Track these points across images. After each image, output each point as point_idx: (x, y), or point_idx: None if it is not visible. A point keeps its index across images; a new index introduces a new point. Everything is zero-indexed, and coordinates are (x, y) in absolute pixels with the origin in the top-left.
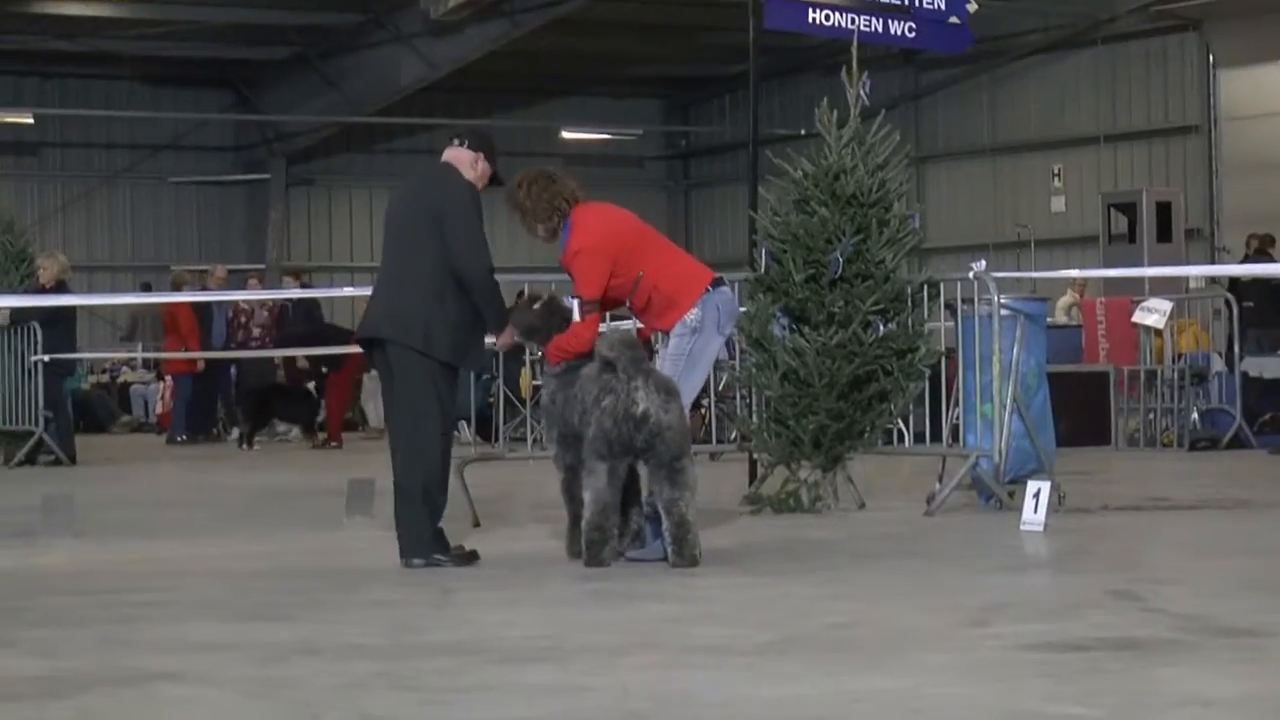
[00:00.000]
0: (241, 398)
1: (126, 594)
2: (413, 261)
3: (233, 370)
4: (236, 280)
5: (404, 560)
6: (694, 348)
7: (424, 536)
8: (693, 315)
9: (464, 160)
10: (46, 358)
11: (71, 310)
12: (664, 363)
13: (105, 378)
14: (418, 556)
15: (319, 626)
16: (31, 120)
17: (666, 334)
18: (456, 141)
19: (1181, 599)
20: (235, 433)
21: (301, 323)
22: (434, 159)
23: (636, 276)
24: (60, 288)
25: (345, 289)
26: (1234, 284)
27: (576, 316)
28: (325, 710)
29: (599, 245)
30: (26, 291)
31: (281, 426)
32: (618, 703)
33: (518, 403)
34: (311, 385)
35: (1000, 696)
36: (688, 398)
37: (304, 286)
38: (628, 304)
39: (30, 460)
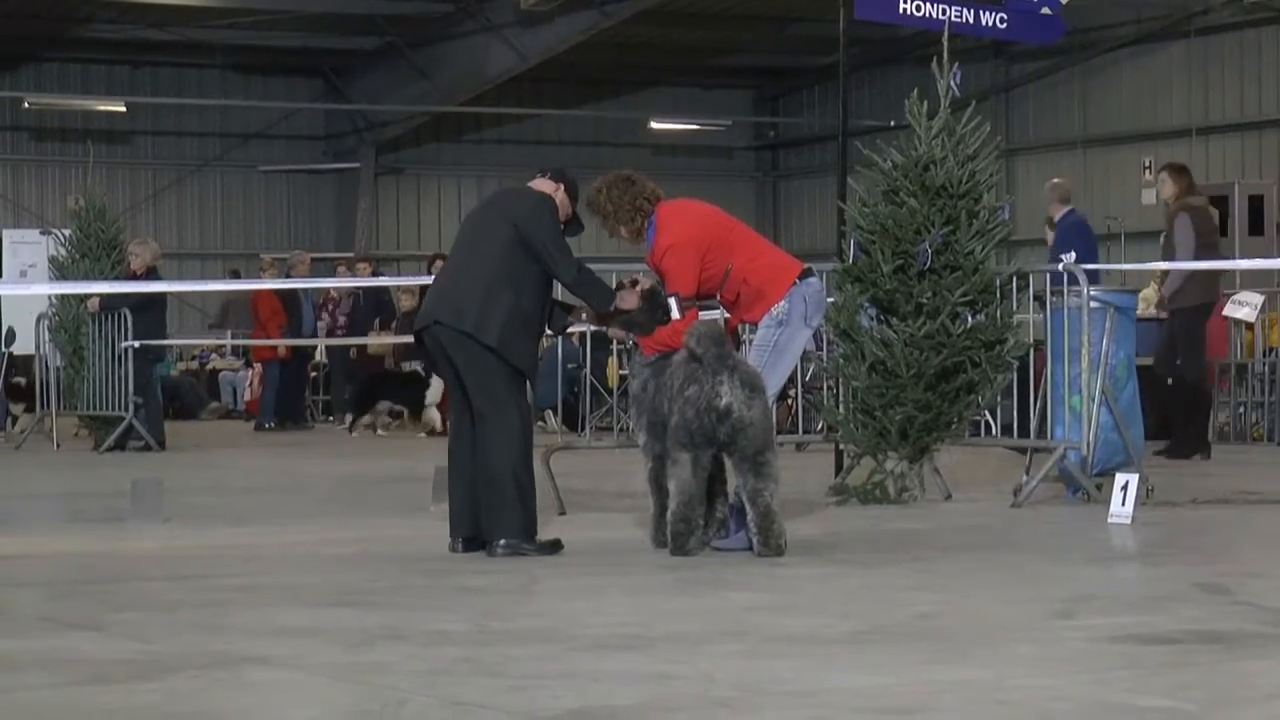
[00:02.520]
0: (347, 384)
1: (215, 578)
2: (475, 258)
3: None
4: (324, 268)
5: (487, 547)
6: (780, 339)
7: (507, 522)
8: (780, 307)
9: (546, 188)
10: (137, 344)
11: (162, 297)
12: (750, 353)
13: (194, 364)
14: (502, 540)
15: (406, 612)
16: (124, 109)
17: (754, 325)
18: (541, 174)
19: (1270, 593)
20: (347, 419)
21: (372, 311)
22: (521, 148)
23: (726, 270)
24: (151, 275)
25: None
26: None
27: (676, 314)
28: (412, 696)
29: (688, 240)
30: (118, 278)
31: (383, 415)
32: (703, 691)
33: (604, 392)
34: (420, 366)
35: (1087, 689)
36: (773, 389)
37: (374, 274)
38: (718, 297)
39: (120, 446)
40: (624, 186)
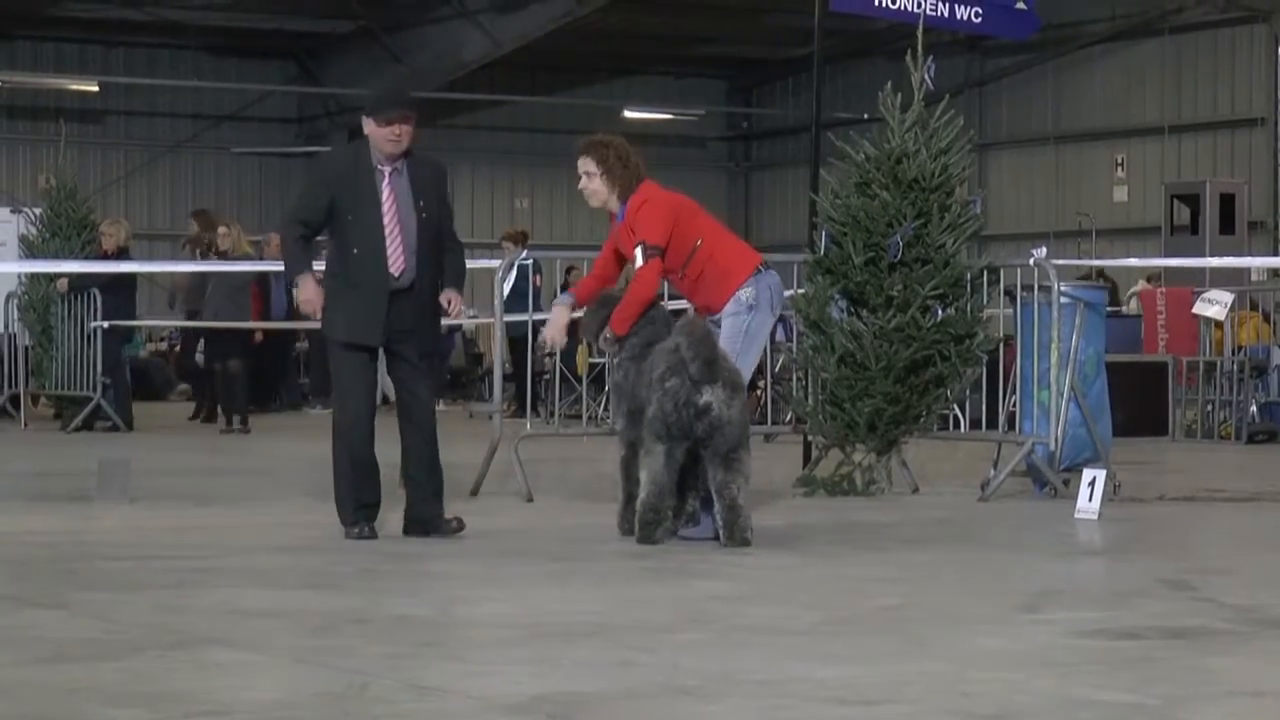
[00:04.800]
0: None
1: (180, 559)
2: None
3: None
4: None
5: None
6: (751, 325)
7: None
8: (748, 292)
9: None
10: (106, 324)
11: (132, 277)
12: (721, 341)
13: (163, 345)
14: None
15: (370, 596)
16: (96, 88)
17: (715, 316)
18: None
19: (1234, 589)
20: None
21: None
22: (494, 134)
23: (694, 245)
24: (122, 255)
25: None
26: None
27: (639, 261)
28: (374, 679)
29: (664, 200)
30: (88, 258)
31: None
32: (667, 679)
33: (574, 379)
34: None
35: (1050, 683)
36: (744, 376)
37: None
38: (680, 274)
39: (87, 426)
40: (632, 154)
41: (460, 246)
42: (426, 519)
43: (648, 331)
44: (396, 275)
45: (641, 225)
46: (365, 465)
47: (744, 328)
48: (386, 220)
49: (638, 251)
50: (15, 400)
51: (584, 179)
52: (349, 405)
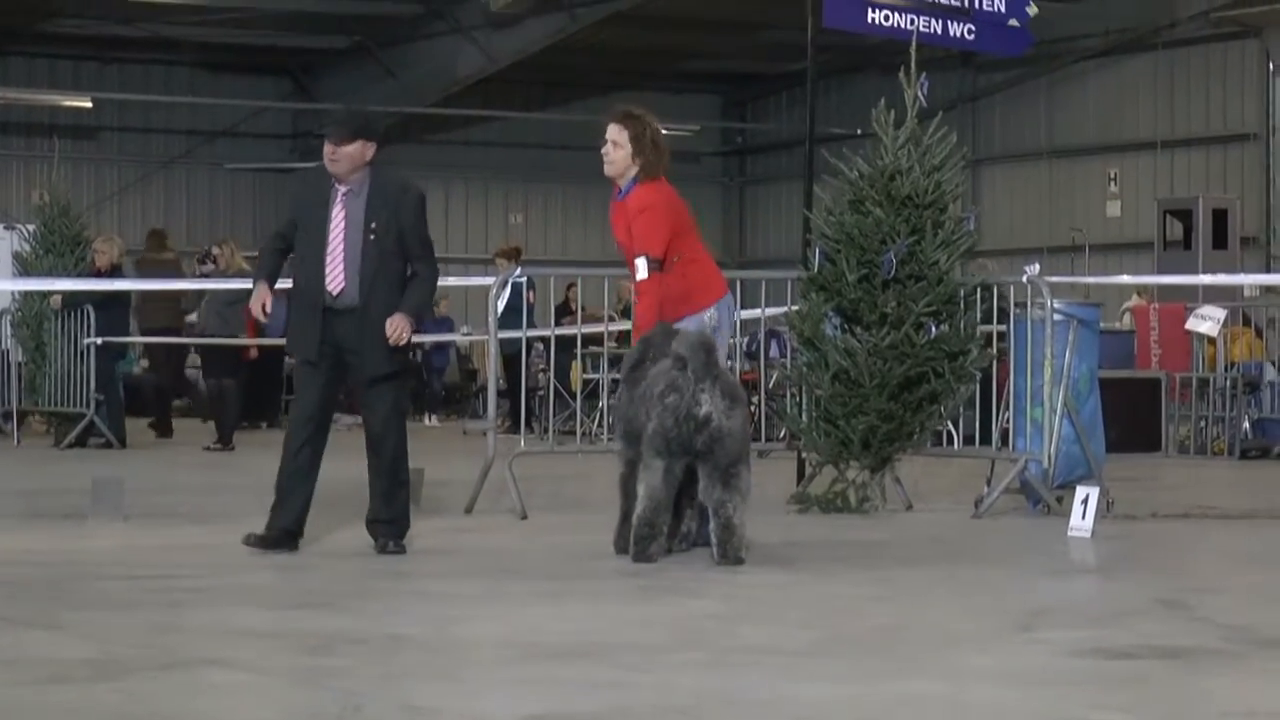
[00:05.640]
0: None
1: (175, 579)
2: None
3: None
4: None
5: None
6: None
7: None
8: (711, 314)
9: None
10: (99, 340)
11: (126, 294)
12: None
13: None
14: None
15: (365, 616)
16: (90, 104)
17: (665, 321)
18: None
19: (1229, 609)
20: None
21: None
22: (489, 150)
23: (675, 257)
24: (116, 272)
25: None
26: None
27: (643, 274)
28: (369, 700)
29: (666, 206)
30: (82, 275)
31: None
32: (662, 699)
33: (568, 396)
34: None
35: (1046, 703)
36: None
37: None
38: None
39: (81, 442)
40: (664, 144)
41: (430, 271)
42: (373, 524)
43: (640, 349)
44: (334, 294)
45: (643, 234)
46: (289, 479)
47: None
48: (330, 239)
49: (641, 264)
50: (8, 416)
51: (610, 145)
52: (291, 416)
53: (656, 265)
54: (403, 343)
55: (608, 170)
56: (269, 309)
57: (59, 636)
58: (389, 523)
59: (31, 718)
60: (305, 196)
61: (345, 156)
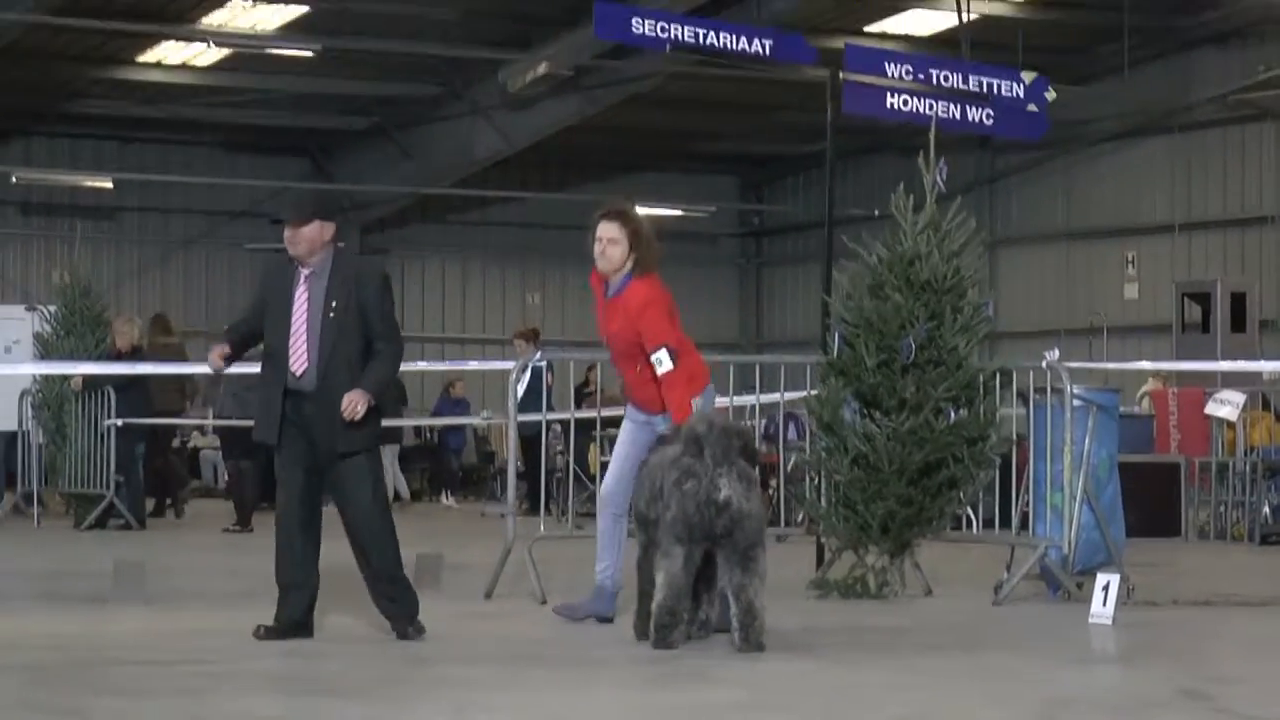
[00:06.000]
0: None
1: (197, 664)
2: None
3: None
4: None
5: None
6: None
7: None
8: (697, 403)
9: None
10: (120, 422)
11: (146, 376)
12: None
13: (176, 443)
14: None
15: (387, 703)
16: (111, 185)
17: (654, 416)
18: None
19: (1250, 699)
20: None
21: None
22: (506, 230)
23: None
24: (136, 353)
25: (419, 362)
26: None
27: (670, 365)
28: None
29: (664, 301)
30: (102, 356)
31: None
32: None
33: (585, 479)
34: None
35: None
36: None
37: None
38: (638, 368)
39: (101, 524)
40: (654, 238)
41: (394, 350)
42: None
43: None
44: (298, 374)
45: (657, 327)
46: (288, 573)
47: (645, 443)
48: (294, 320)
49: (665, 356)
50: (29, 498)
51: (607, 243)
52: (277, 509)
53: (675, 353)
54: (357, 417)
55: (604, 266)
56: (222, 358)
57: None
58: (402, 615)
59: None
60: (271, 280)
61: (303, 238)
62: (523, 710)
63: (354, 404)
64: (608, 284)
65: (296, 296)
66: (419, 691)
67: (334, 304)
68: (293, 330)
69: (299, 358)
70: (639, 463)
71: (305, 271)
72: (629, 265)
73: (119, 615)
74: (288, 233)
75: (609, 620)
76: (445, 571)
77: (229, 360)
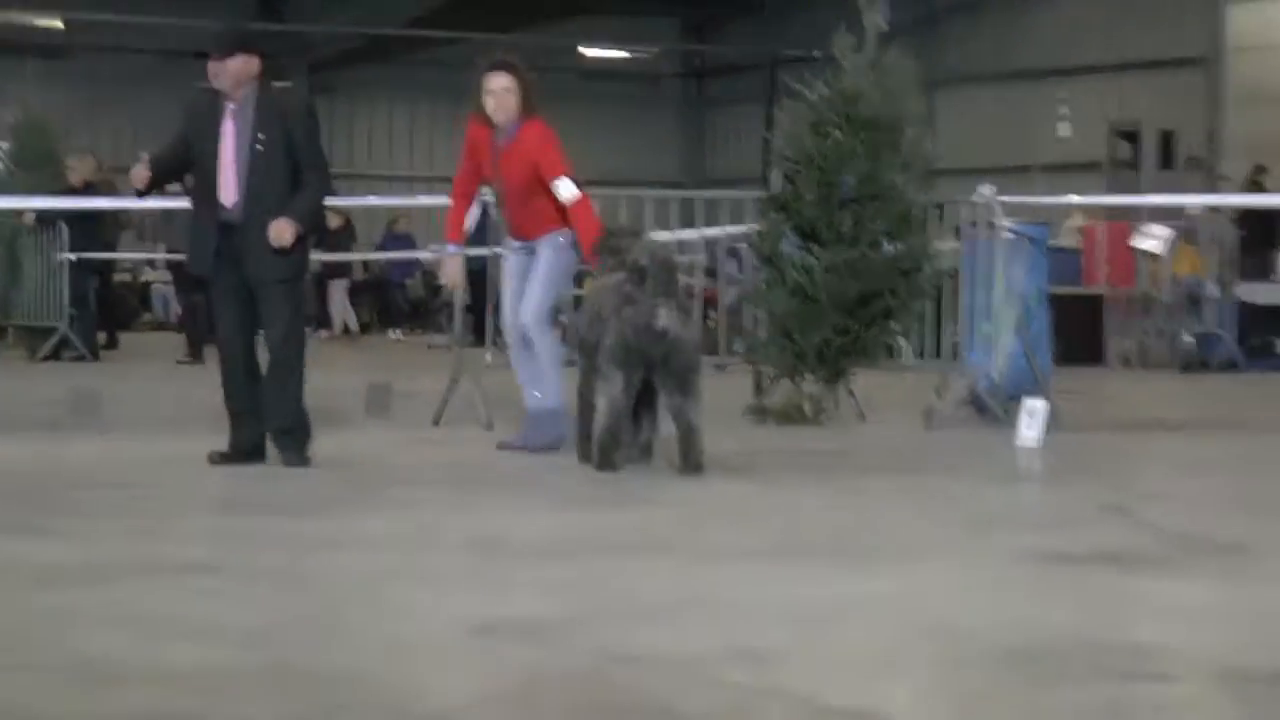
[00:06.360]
0: None
1: (151, 487)
2: None
3: None
4: None
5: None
6: (566, 264)
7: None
8: (566, 234)
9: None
10: (73, 256)
11: (99, 211)
12: (541, 265)
13: (127, 277)
14: None
15: (339, 521)
16: (62, 25)
17: (527, 243)
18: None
19: (1169, 515)
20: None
21: None
22: (453, 71)
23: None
24: (90, 189)
25: (369, 198)
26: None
27: (576, 190)
28: (346, 604)
29: (557, 138)
30: (55, 191)
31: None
32: (628, 602)
33: None
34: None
35: (992, 603)
36: (546, 305)
37: None
38: (520, 199)
39: (55, 356)
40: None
41: (320, 180)
42: (272, 437)
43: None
44: (228, 207)
45: (557, 160)
46: (235, 400)
47: (564, 264)
48: (222, 154)
49: (569, 184)
50: None
51: (502, 94)
52: (217, 339)
53: (578, 183)
54: (284, 244)
55: (501, 116)
56: (142, 181)
57: (42, 542)
58: (291, 444)
59: (20, 620)
60: (198, 115)
61: (227, 72)
62: (473, 529)
63: (281, 231)
64: (496, 131)
65: (223, 131)
66: (368, 510)
67: (260, 137)
68: (220, 164)
69: (228, 190)
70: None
71: (231, 106)
72: (518, 114)
73: (74, 442)
74: (211, 66)
75: (556, 448)
76: (394, 400)
77: (150, 186)
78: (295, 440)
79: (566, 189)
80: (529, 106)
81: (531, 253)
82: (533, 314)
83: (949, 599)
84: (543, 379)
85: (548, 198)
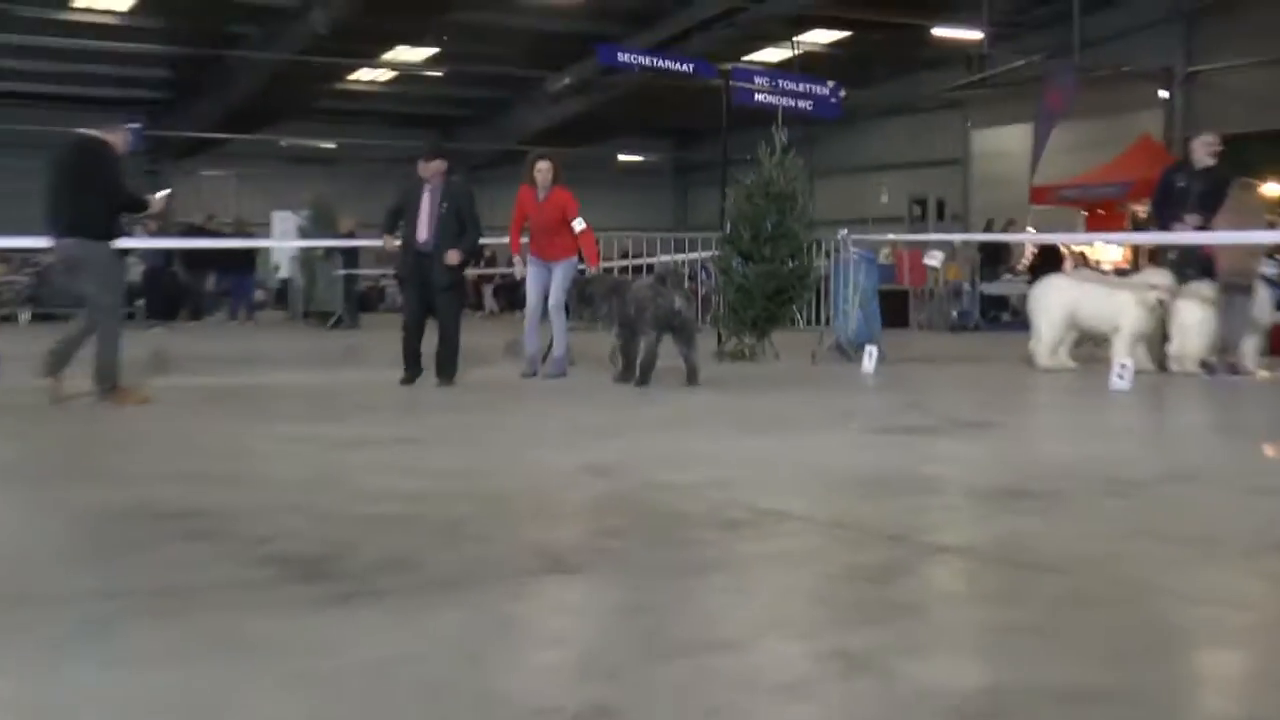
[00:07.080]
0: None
1: (384, 396)
2: None
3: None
4: None
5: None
6: (573, 275)
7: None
8: (575, 258)
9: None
10: (344, 271)
11: (356, 246)
12: (560, 279)
13: (371, 282)
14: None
15: (490, 415)
16: (334, 145)
17: (550, 261)
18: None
19: (945, 408)
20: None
21: None
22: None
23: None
24: (351, 235)
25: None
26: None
27: (584, 225)
28: (500, 457)
29: (573, 197)
30: (335, 236)
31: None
32: (658, 452)
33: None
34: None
35: (849, 455)
36: (563, 299)
37: None
38: (546, 230)
39: (335, 326)
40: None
41: (474, 230)
42: (439, 374)
43: (611, 282)
44: (421, 242)
45: (573, 210)
46: (409, 353)
47: (571, 276)
48: (421, 213)
49: (584, 222)
50: (305, 315)
51: (546, 172)
52: (404, 318)
53: (586, 224)
54: (453, 264)
55: (543, 183)
56: (390, 241)
57: (333, 426)
58: (447, 373)
59: (323, 468)
60: (409, 190)
61: (428, 168)
62: (563, 418)
63: (452, 258)
64: (537, 192)
65: (423, 201)
66: (505, 410)
67: (443, 205)
68: (420, 218)
69: (423, 232)
70: (543, 290)
71: (429, 186)
72: (552, 185)
73: (344, 371)
74: (420, 165)
75: (562, 376)
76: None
77: (388, 231)
78: (449, 371)
79: (579, 224)
80: (558, 178)
81: (547, 269)
82: (554, 304)
83: (825, 452)
84: (557, 340)
85: (564, 235)
